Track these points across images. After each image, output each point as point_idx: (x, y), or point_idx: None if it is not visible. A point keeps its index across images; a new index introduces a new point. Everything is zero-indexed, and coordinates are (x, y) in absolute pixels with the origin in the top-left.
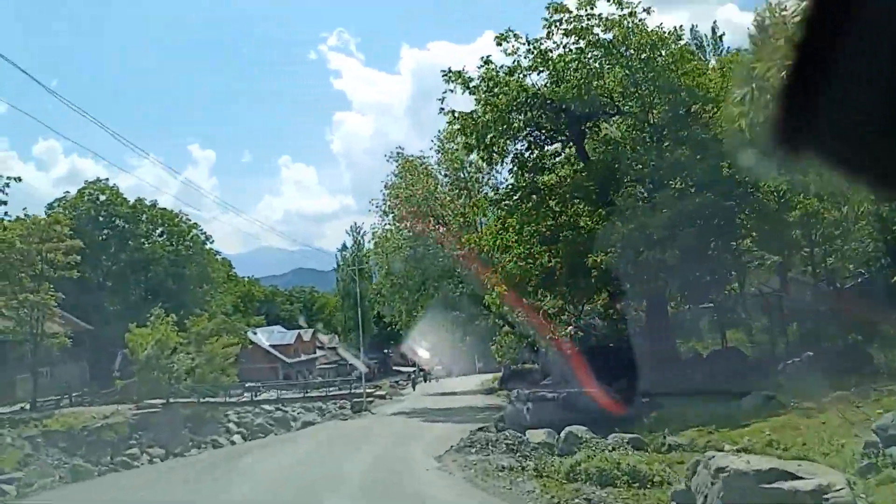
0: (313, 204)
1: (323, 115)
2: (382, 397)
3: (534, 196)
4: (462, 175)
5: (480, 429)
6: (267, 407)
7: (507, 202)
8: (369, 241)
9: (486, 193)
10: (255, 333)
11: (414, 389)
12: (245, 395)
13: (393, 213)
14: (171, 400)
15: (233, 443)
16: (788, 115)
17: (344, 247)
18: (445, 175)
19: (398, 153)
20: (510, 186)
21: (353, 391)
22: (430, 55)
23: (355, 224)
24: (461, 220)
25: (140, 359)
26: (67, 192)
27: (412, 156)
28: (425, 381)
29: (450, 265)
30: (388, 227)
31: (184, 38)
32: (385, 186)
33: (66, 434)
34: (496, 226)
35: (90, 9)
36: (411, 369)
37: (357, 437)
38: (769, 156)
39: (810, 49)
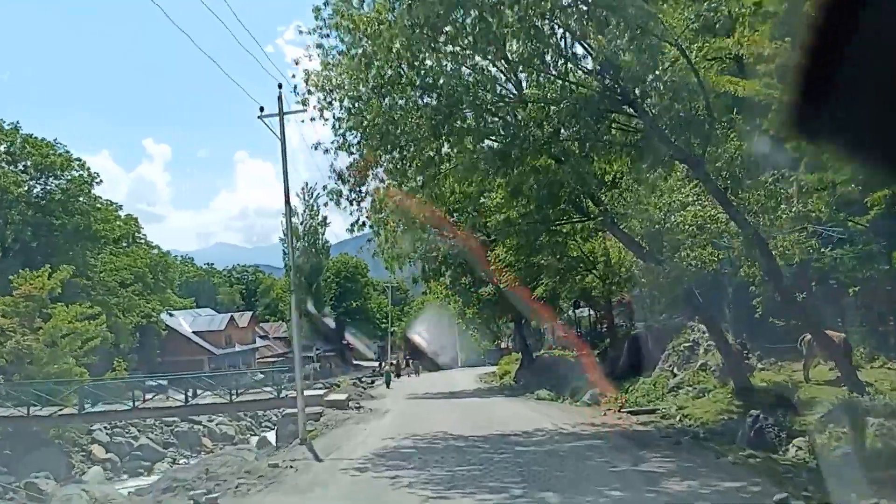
0: (271, 200)
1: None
2: (342, 405)
3: None
4: None
5: None
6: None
7: None
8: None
9: None
10: (170, 315)
11: (389, 387)
12: (151, 395)
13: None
14: None
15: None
16: (805, 98)
17: (292, 213)
18: None
19: None
20: None
21: (280, 395)
22: None
23: (307, 185)
24: None
25: None
26: None
27: None
28: (398, 378)
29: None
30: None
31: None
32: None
33: None
34: None
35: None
36: (374, 364)
37: None
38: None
39: (827, 30)
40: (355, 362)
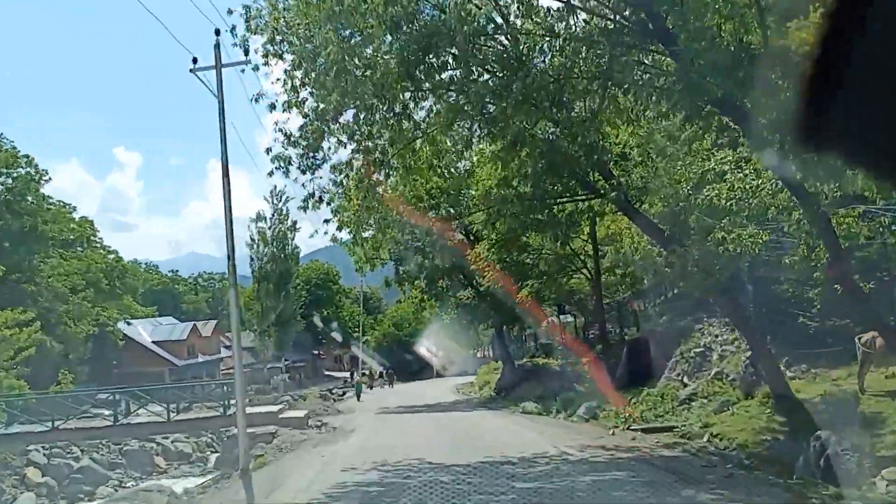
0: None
1: (253, 119)
2: (301, 424)
3: None
4: None
5: None
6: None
7: None
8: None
9: None
10: (128, 324)
11: (359, 400)
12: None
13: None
14: None
15: None
16: (812, 105)
17: (258, 217)
18: None
19: None
20: None
21: (227, 413)
22: None
23: (275, 188)
24: None
25: None
26: None
27: None
28: (370, 389)
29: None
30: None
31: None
32: None
33: None
34: None
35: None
36: (346, 374)
37: None
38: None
39: (836, 35)
40: (327, 373)
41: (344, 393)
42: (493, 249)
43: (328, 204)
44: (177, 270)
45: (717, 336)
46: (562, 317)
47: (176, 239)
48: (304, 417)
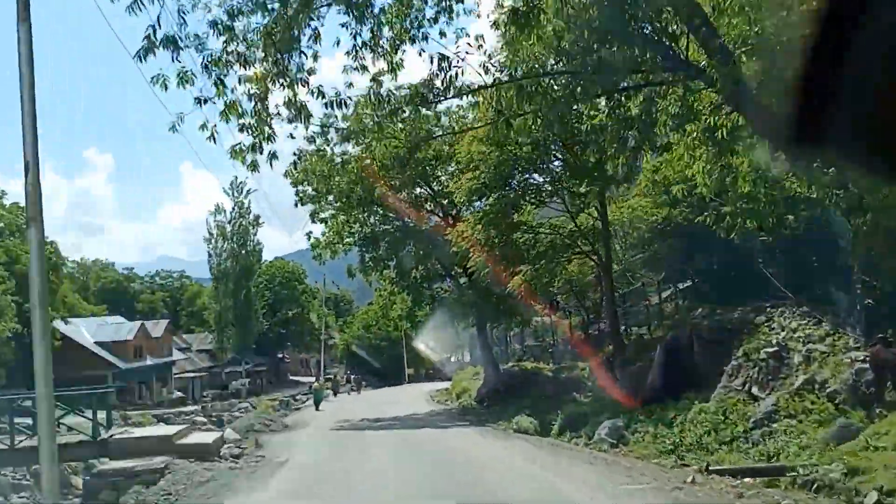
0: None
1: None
2: (209, 454)
3: None
4: None
5: None
6: None
7: None
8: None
9: None
10: (66, 323)
11: (318, 409)
12: None
13: None
14: None
15: None
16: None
17: (217, 209)
18: None
19: None
20: None
21: (96, 437)
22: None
23: (236, 179)
24: None
25: None
26: None
27: None
28: (335, 395)
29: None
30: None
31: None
32: None
33: None
34: None
35: None
36: (312, 379)
37: None
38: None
39: (830, 30)
40: (292, 378)
41: (307, 399)
42: (479, 225)
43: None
44: (132, 268)
45: (794, 330)
46: (558, 312)
47: (148, 242)
48: (213, 444)
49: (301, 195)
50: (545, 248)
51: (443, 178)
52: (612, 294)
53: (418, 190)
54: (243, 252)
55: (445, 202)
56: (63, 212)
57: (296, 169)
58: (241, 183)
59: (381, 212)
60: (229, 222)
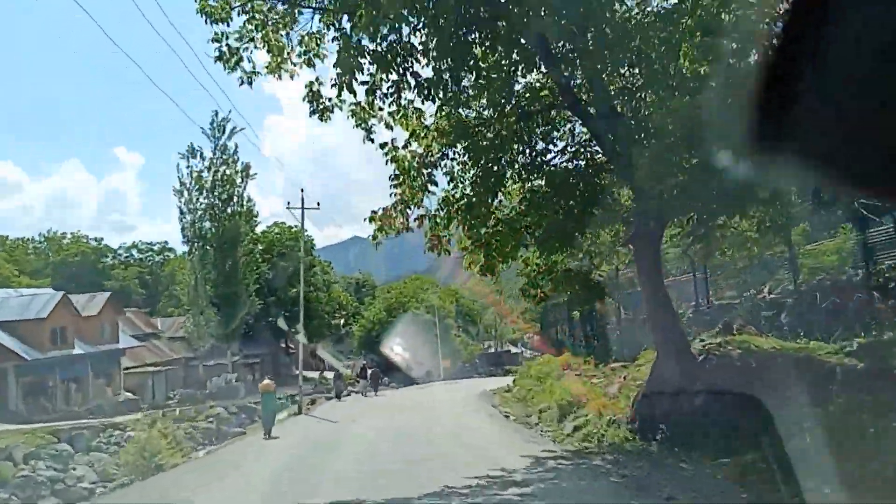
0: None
1: (254, 120)
2: None
3: None
4: None
5: None
6: None
7: None
8: None
9: None
10: None
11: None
12: None
13: None
14: None
15: None
16: (767, 105)
17: (192, 152)
18: None
19: None
20: None
21: None
22: None
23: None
24: None
25: None
26: None
27: None
28: (339, 399)
29: None
30: None
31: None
32: None
33: None
34: None
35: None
36: (330, 373)
37: None
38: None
39: (794, 33)
40: (300, 372)
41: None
42: None
43: None
44: (101, 238)
45: None
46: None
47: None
48: None
49: None
50: None
51: None
52: None
53: None
54: (228, 211)
55: None
56: (95, 208)
57: None
58: (224, 119)
59: None
60: (208, 169)
